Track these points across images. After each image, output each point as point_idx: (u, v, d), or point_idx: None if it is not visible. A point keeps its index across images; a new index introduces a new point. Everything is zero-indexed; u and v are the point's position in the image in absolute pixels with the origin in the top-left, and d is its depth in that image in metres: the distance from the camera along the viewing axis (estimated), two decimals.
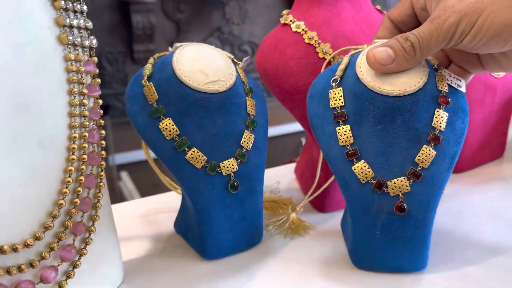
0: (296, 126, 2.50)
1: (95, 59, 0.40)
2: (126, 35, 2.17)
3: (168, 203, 0.63)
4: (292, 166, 0.74)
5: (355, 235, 0.47)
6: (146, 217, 0.60)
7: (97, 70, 0.40)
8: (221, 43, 2.42)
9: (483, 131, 0.72)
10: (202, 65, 0.47)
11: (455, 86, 0.48)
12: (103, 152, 0.40)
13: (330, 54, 0.54)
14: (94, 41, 0.40)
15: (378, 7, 0.63)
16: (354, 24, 0.57)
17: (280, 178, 0.68)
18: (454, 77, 0.49)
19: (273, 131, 2.35)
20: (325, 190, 0.58)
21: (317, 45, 0.54)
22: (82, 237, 0.39)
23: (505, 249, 0.52)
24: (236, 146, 0.49)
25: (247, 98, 0.51)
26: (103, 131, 0.40)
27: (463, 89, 0.49)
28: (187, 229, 0.52)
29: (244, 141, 0.50)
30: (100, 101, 0.40)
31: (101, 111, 0.40)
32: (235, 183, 0.48)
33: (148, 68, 0.48)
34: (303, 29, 0.55)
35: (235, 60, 0.53)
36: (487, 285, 0.46)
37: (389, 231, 0.46)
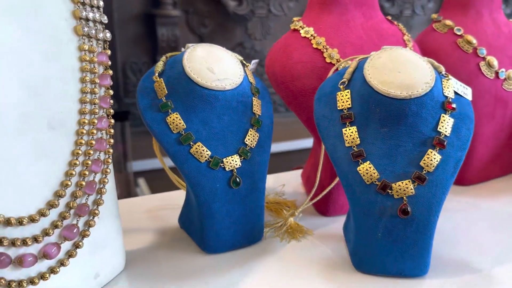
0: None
1: (108, 51, 0.42)
2: (150, 46, 2.23)
3: (175, 200, 0.64)
4: (299, 172, 0.75)
5: (357, 237, 0.48)
6: (153, 212, 0.62)
7: (109, 62, 0.42)
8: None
9: (494, 145, 0.71)
10: (211, 63, 0.49)
11: (462, 94, 0.49)
12: (111, 140, 0.42)
13: (337, 59, 0.55)
14: (108, 35, 0.42)
15: (389, 17, 0.64)
16: (362, 32, 0.58)
17: (286, 182, 0.69)
18: (461, 85, 0.49)
19: (289, 145, 2.36)
20: (328, 194, 0.59)
21: (324, 50, 0.56)
22: (85, 219, 0.41)
23: (505, 260, 0.51)
24: (240, 143, 0.51)
25: (253, 98, 0.53)
26: (112, 120, 0.42)
27: (470, 97, 0.50)
28: (190, 223, 0.54)
29: (248, 139, 0.51)
30: (111, 91, 0.42)
31: (111, 101, 0.42)
32: (238, 179, 0.50)
33: (159, 65, 0.50)
34: (311, 35, 0.57)
35: (244, 62, 0.54)
36: None
37: (391, 234, 0.46)
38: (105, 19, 0.42)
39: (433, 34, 0.69)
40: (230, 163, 0.49)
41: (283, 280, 0.48)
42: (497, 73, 0.67)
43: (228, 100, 0.50)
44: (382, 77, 0.46)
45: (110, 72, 0.42)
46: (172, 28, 2.20)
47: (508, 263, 0.50)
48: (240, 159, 0.50)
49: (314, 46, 0.56)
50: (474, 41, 0.67)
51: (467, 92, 0.49)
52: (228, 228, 0.51)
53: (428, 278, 0.47)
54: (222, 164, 0.49)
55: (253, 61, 0.56)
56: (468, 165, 0.70)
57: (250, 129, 0.51)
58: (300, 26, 0.58)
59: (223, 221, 0.50)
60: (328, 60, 0.55)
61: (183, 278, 0.48)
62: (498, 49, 0.68)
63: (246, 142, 0.51)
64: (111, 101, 0.42)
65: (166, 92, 0.48)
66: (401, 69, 0.46)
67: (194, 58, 0.49)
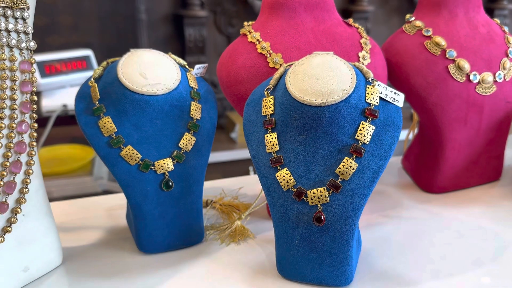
0: None
1: (33, 59, 0.45)
2: (179, 47, 2.28)
3: None
4: None
5: (277, 242, 0.48)
6: (112, 210, 0.65)
7: (34, 70, 0.45)
8: None
9: (468, 152, 0.68)
10: (144, 69, 0.51)
11: (390, 100, 0.47)
12: (34, 143, 0.45)
13: (280, 64, 0.55)
14: (32, 44, 0.45)
15: (351, 20, 0.63)
16: (312, 36, 0.58)
17: (246, 185, 0.70)
18: (391, 91, 0.48)
19: None
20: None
21: (268, 55, 0.56)
22: (7, 216, 0.44)
23: (441, 276, 0.49)
24: (174, 147, 0.52)
25: (192, 102, 0.54)
26: (35, 124, 0.45)
27: (400, 104, 0.48)
28: (131, 223, 0.56)
29: (183, 143, 0.52)
30: (35, 97, 0.45)
31: (35, 106, 0.45)
32: (170, 182, 0.51)
33: (97, 71, 0.52)
34: (257, 40, 0.57)
35: (187, 67, 0.56)
36: None
37: (308, 241, 0.46)
38: (29, 30, 0.44)
39: (401, 35, 0.67)
40: (162, 166, 0.51)
41: (205, 283, 0.48)
42: (468, 76, 0.64)
43: (160, 105, 0.51)
44: (300, 84, 0.46)
45: (34, 79, 0.45)
46: (199, 29, 2.24)
47: (443, 279, 0.48)
48: (173, 162, 0.51)
49: (259, 51, 0.56)
50: (443, 42, 0.64)
51: (397, 99, 0.48)
52: (161, 230, 0.52)
53: None
54: (153, 167, 0.51)
55: (197, 66, 0.57)
56: (438, 172, 0.67)
57: (186, 133, 0.53)
58: (249, 31, 0.59)
59: (156, 223, 0.52)
60: (271, 65, 0.55)
61: (115, 275, 0.50)
62: (471, 51, 0.65)
63: (181, 146, 0.52)
64: (34, 106, 0.45)
65: (99, 96, 0.51)
66: (319, 76, 0.45)
67: (129, 63, 0.51)
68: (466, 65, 0.64)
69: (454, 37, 0.65)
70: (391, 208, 0.65)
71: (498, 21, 0.71)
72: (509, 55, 0.67)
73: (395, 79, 0.66)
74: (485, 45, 0.66)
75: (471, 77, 0.64)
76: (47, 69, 1.41)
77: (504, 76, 0.67)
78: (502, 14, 2.79)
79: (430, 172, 0.68)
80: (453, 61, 0.64)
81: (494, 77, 0.66)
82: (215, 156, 2.10)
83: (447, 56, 0.64)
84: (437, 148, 0.67)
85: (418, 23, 0.66)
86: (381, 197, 0.68)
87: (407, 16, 0.69)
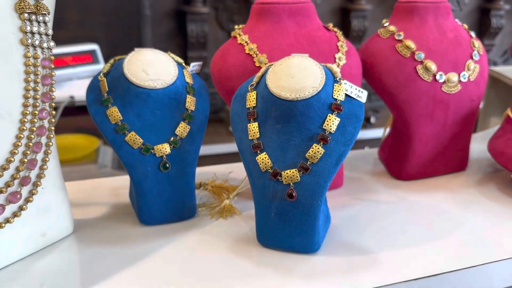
0: None
1: (52, 57, 0.53)
2: (181, 42, 2.37)
3: None
4: None
5: (257, 215, 0.56)
6: (117, 190, 0.73)
7: (53, 66, 0.53)
8: None
9: (435, 144, 0.76)
10: (147, 66, 0.59)
11: (354, 96, 0.56)
12: (52, 127, 0.53)
13: (265, 63, 0.63)
14: (52, 44, 0.53)
15: (330, 25, 0.71)
16: (294, 39, 0.66)
17: (235, 171, 0.78)
18: (356, 89, 0.56)
19: None
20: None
21: (255, 55, 0.64)
22: (29, 188, 0.52)
23: (398, 247, 0.57)
24: (171, 134, 0.60)
25: (188, 95, 0.62)
26: (53, 112, 0.53)
27: (363, 100, 0.56)
28: (133, 199, 0.64)
29: (179, 130, 0.60)
30: (54, 89, 0.53)
31: (54, 96, 0.53)
32: (167, 164, 0.59)
33: (106, 67, 0.61)
34: (245, 41, 0.65)
35: (183, 64, 0.64)
36: (357, 270, 0.52)
37: (282, 214, 0.54)
38: (50, 32, 0.53)
39: (376, 39, 0.75)
40: (160, 150, 0.59)
41: (197, 250, 0.57)
42: (434, 76, 0.72)
43: (159, 97, 0.59)
44: (278, 82, 0.54)
45: (53, 74, 0.53)
46: (201, 25, 2.32)
47: (399, 249, 0.57)
48: (170, 147, 0.60)
49: (247, 51, 0.64)
50: (413, 46, 0.72)
51: (361, 95, 0.56)
52: (159, 205, 0.61)
53: (316, 255, 0.55)
54: (153, 151, 0.59)
55: (192, 64, 0.65)
56: (406, 161, 0.76)
57: (182, 122, 0.61)
58: (238, 34, 0.67)
59: (155, 199, 0.60)
60: (257, 64, 0.64)
61: (118, 243, 0.58)
62: (438, 54, 0.73)
63: (177, 133, 0.60)
64: (53, 96, 0.53)
65: (107, 89, 0.59)
66: (294, 75, 0.53)
67: (133, 61, 0.59)
68: (433, 66, 0.72)
69: (424, 41, 0.73)
70: (363, 192, 0.73)
71: (466, 26, 0.79)
72: (474, 57, 0.75)
73: (369, 78, 0.74)
74: (452, 48, 0.74)
75: (437, 77, 0.72)
76: (55, 62, 1.50)
77: (469, 76, 0.75)
78: (499, 14, 2.85)
79: (400, 161, 0.77)
80: (421, 62, 0.72)
81: (459, 77, 0.74)
82: (214, 148, 2.19)
83: (415, 58, 0.72)
84: (406, 140, 0.75)
85: (392, 28, 0.74)
86: (356, 183, 0.76)
87: (383, 21, 0.77)
